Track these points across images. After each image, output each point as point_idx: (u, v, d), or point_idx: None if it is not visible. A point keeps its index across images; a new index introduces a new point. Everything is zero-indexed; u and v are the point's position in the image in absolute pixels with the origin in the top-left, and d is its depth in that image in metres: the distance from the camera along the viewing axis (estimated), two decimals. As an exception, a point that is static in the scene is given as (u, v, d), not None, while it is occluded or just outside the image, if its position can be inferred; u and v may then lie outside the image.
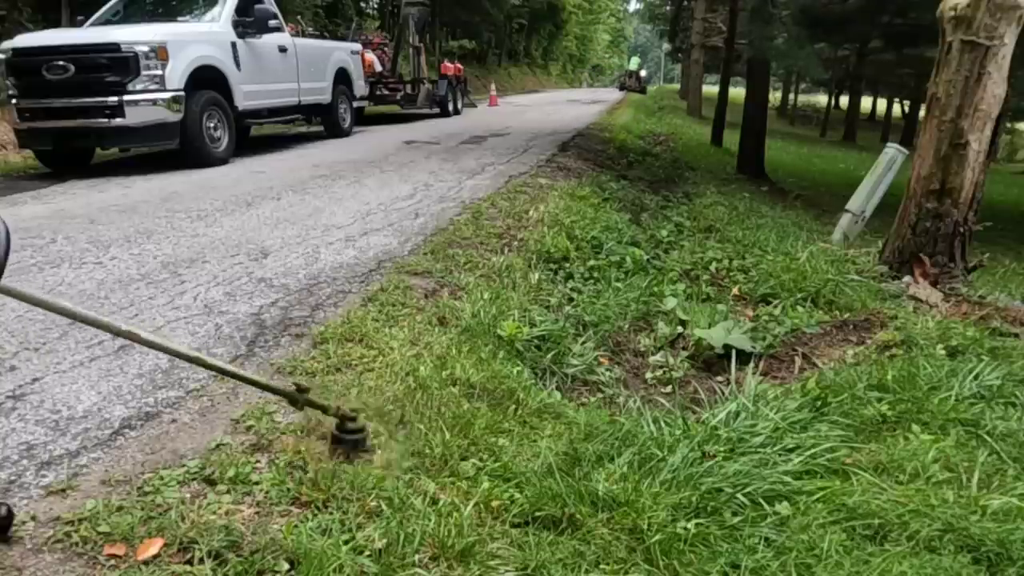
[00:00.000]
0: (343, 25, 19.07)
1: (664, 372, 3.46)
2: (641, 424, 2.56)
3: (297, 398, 1.94)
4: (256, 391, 2.37)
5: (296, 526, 1.73)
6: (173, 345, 1.76)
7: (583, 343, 3.56)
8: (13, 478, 1.90)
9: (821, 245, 5.39)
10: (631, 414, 2.92)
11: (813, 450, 2.30)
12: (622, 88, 37.50)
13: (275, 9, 8.94)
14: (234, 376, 1.85)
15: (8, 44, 7.22)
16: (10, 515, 1.65)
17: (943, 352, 3.12)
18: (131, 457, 2.01)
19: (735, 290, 4.47)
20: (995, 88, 4.15)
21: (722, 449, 2.28)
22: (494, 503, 1.92)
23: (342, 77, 10.90)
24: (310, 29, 13.94)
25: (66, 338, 2.85)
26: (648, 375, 3.49)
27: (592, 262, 4.71)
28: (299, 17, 14.69)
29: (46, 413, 2.25)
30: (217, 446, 2.05)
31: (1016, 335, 3.41)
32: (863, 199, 6.02)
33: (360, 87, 11.86)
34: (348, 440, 2.06)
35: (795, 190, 10.57)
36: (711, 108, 17.19)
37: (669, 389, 3.33)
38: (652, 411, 2.98)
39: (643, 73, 39.72)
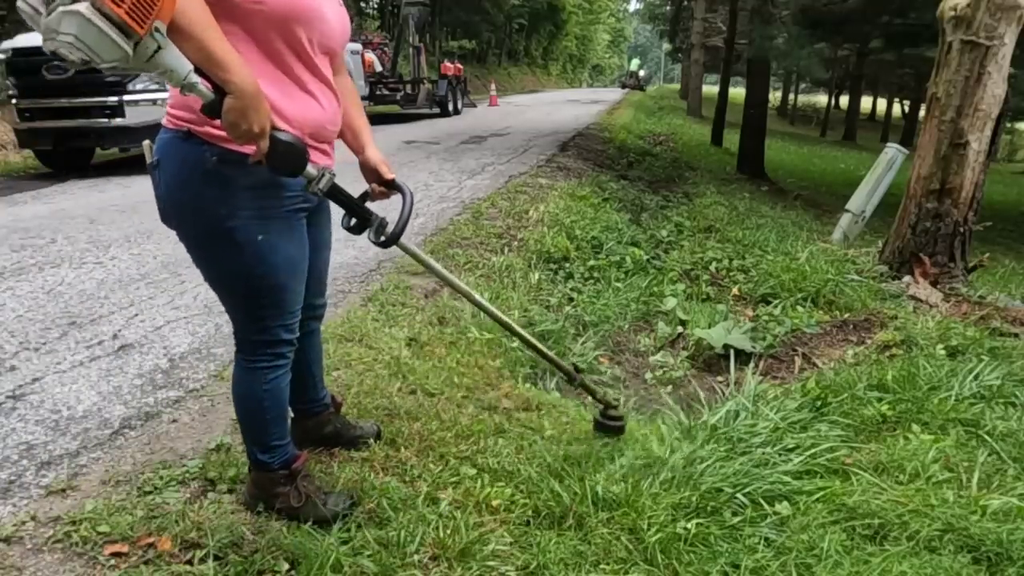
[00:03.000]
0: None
1: (664, 372, 3.46)
2: (641, 424, 2.56)
3: (574, 376, 2.22)
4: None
5: (296, 526, 1.73)
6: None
7: (583, 343, 3.56)
8: (13, 478, 1.90)
9: (821, 245, 5.39)
10: (631, 414, 2.92)
11: (813, 450, 2.30)
12: (623, 87, 41.67)
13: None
14: (534, 349, 2.14)
15: (8, 44, 7.22)
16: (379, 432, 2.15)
17: (943, 352, 3.12)
18: (131, 457, 2.01)
19: (735, 290, 4.47)
20: (995, 88, 4.15)
21: (722, 449, 2.28)
22: (494, 503, 1.93)
23: (342, 77, 10.90)
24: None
25: (66, 338, 2.86)
26: (648, 375, 3.48)
27: (592, 262, 4.71)
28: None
29: (46, 413, 2.25)
30: (217, 446, 2.06)
31: (1016, 335, 3.41)
32: (863, 199, 6.02)
33: (360, 87, 11.86)
34: (610, 425, 2.28)
35: (795, 190, 10.56)
36: (711, 108, 17.17)
37: (669, 389, 3.33)
38: (652, 411, 2.99)
39: (642, 73, 44.44)
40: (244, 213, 1.46)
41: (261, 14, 1.39)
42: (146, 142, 1.52)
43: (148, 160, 1.50)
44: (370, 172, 1.82)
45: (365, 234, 1.73)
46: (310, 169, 1.49)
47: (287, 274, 1.57)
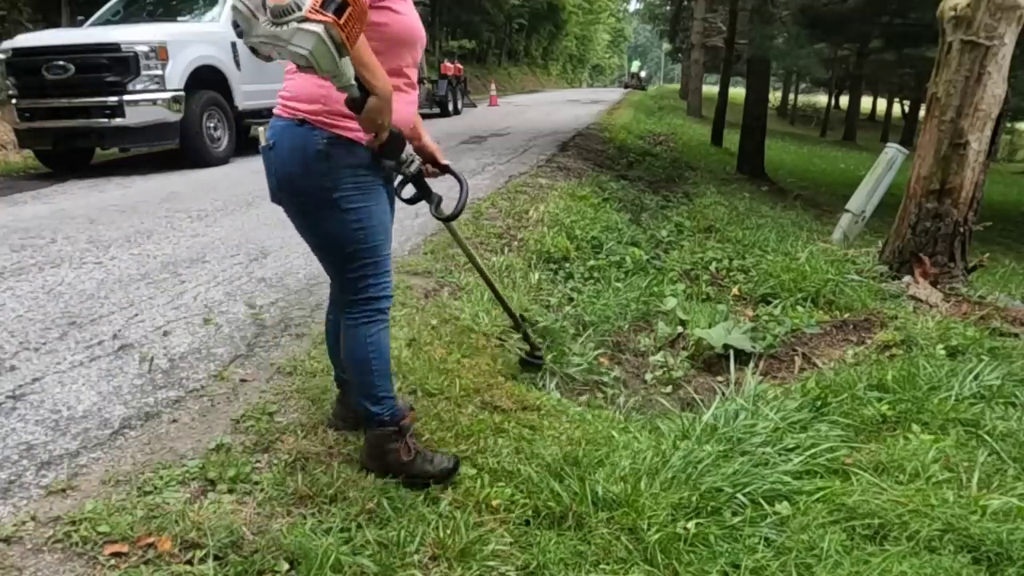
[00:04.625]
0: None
1: (664, 372, 3.46)
2: (641, 425, 2.56)
3: (520, 324, 2.93)
4: (255, 395, 2.39)
5: (296, 526, 1.73)
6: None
7: (583, 343, 3.56)
8: (13, 478, 1.90)
9: (821, 245, 5.39)
10: (631, 414, 2.92)
11: (813, 450, 2.30)
12: (625, 87, 43.18)
13: (275, 9, 8.93)
14: (498, 298, 2.79)
15: (8, 44, 7.21)
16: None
17: (943, 352, 3.12)
18: (131, 457, 2.01)
19: (735, 290, 4.47)
20: (995, 88, 4.15)
21: (722, 449, 2.28)
22: (494, 503, 1.93)
23: (342, 77, 10.91)
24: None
25: (66, 338, 2.86)
26: (648, 375, 3.48)
27: (592, 262, 4.71)
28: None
29: (46, 413, 2.25)
30: (217, 446, 2.06)
31: (1016, 335, 3.41)
32: (863, 199, 6.02)
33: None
34: (532, 362, 3.00)
35: (795, 190, 10.57)
36: (711, 108, 17.18)
37: (669, 389, 3.33)
38: (652, 411, 2.99)
39: (643, 74, 46.41)
40: (346, 185, 1.75)
41: (388, 31, 1.71)
42: (260, 128, 1.85)
43: (262, 143, 1.81)
44: (425, 156, 2.17)
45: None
46: (404, 154, 1.84)
47: (382, 235, 1.86)
